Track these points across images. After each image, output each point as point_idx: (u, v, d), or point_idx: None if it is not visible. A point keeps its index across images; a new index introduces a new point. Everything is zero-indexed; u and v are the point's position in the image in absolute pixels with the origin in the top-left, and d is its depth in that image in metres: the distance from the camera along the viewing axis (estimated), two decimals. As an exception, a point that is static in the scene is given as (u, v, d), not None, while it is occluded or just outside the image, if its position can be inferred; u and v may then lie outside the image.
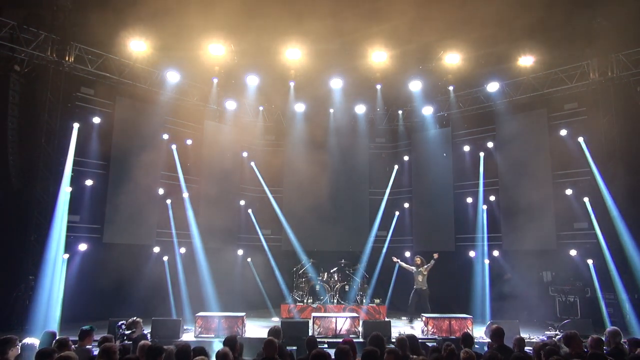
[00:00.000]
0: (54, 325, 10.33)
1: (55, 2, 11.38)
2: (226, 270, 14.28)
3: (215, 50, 12.42)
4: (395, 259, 13.01)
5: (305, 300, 13.33)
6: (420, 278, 12.34)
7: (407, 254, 16.09)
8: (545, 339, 5.76)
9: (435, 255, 12.48)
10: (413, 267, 12.60)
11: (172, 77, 13.71)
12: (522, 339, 5.66)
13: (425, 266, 12.43)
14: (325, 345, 8.92)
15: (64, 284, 11.36)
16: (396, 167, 16.93)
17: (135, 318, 6.97)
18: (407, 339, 5.48)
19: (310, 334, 9.35)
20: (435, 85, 14.86)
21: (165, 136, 14.27)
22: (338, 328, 9.97)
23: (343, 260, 14.09)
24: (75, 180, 12.10)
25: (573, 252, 12.75)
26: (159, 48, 12.35)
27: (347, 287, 13.53)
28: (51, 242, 11.21)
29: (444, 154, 15.85)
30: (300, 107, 15.89)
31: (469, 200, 15.23)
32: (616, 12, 10.40)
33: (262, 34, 11.47)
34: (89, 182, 12.52)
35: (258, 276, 15.00)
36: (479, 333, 10.11)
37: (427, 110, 15.90)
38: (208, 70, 13.39)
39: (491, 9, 10.34)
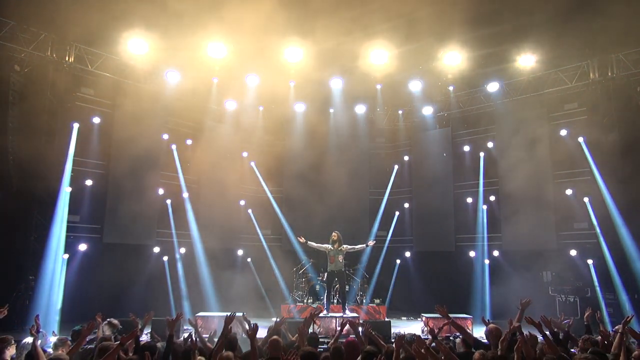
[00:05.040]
0: (54, 325, 10.33)
1: (55, 2, 11.38)
2: (226, 270, 14.28)
3: (215, 50, 12.42)
4: (301, 239, 11.08)
5: (305, 300, 13.32)
6: (340, 258, 10.84)
7: (408, 254, 16.12)
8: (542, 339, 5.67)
9: (370, 243, 11.68)
10: (327, 245, 10.99)
11: (172, 77, 13.71)
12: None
13: (347, 245, 10.97)
14: (326, 346, 8.91)
15: (64, 284, 11.36)
16: (396, 167, 16.92)
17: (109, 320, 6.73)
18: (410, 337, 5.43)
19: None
20: (435, 85, 14.86)
21: (165, 136, 14.26)
22: (338, 328, 9.93)
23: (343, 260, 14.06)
24: (75, 180, 12.11)
25: (573, 252, 12.75)
26: (159, 48, 12.34)
27: (347, 287, 13.51)
28: (51, 242, 11.22)
29: (444, 154, 15.84)
30: (300, 107, 15.89)
31: (469, 200, 15.23)
32: (616, 12, 10.38)
33: (262, 34, 11.46)
34: (89, 182, 12.52)
35: (258, 276, 14.98)
36: (479, 333, 10.09)
37: (427, 110, 15.89)
38: (208, 70, 13.39)
39: (491, 9, 10.35)
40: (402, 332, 6.43)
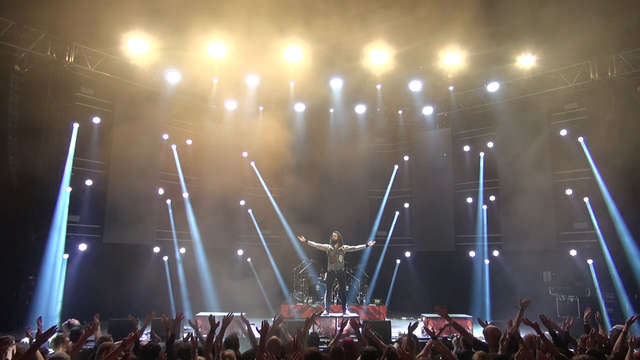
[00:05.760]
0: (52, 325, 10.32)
1: (55, 2, 11.38)
2: (226, 270, 14.28)
3: (215, 50, 12.42)
4: (302, 238, 11.16)
5: (305, 300, 13.32)
6: (340, 258, 10.93)
7: (408, 254, 16.12)
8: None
9: (370, 243, 11.78)
10: (327, 245, 11.11)
11: (172, 77, 13.71)
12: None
13: (347, 245, 11.06)
14: (326, 346, 8.91)
15: (64, 284, 11.36)
16: (396, 167, 16.92)
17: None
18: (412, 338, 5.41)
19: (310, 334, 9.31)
20: (435, 85, 14.85)
21: (165, 136, 14.26)
22: (338, 328, 9.93)
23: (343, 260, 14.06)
24: (75, 180, 12.12)
25: (573, 252, 12.75)
26: (159, 48, 12.34)
27: (347, 287, 13.51)
28: (51, 242, 11.23)
29: (444, 154, 15.84)
30: (300, 107, 15.88)
31: (469, 200, 15.23)
32: (616, 12, 10.39)
33: (262, 34, 11.46)
34: (89, 182, 12.52)
35: (258, 276, 14.98)
36: (479, 333, 10.09)
37: (427, 110, 15.89)
38: (208, 70, 13.39)
39: (491, 8, 10.35)
40: (402, 332, 6.44)
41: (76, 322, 6.67)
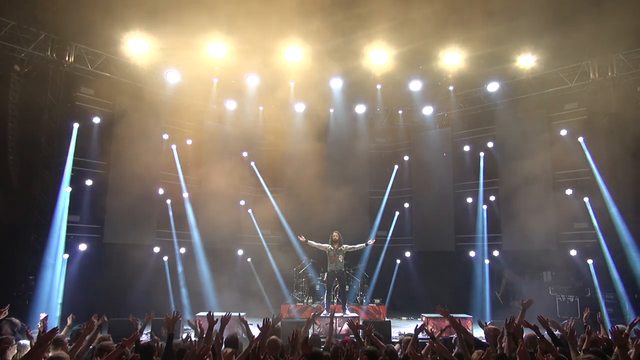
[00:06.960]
0: (54, 325, 10.31)
1: (55, 2, 11.38)
2: (226, 270, 14.27)
3: (215, 50, 12.41)
4: (302, 238, 11.24)
5: (305, 300, 13.32)
6: (340, 258, 11.01)
7: (408, 254, 16.11)
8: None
9: (370, 242, 11.85)
10: (327, 245, 11.18)
11: (172, 77, 13.70)
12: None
13: (347, 245, 11.11)
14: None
15: (64, 284, 11.36)
16: (396, 167, 16.92)
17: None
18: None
19: (310, 333, 9.30)
20: (435, 85, 14.85)
21: (165, 136, 14.26)
22: (338, 328, 9.95)
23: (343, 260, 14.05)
24: (75, 180, 12.12)
25: (573, 252, 12.74)
26: (159, 48, 12.33)
27: (347, 287, 13.50)
28: (51, 242, 11.22)
29: (444, 154, 15.84)
30: (300, 107, 15.88)
31: (469, 200, 15.22)
32: (616, 11, 10.38)
33: (262, 34, 11.46)
34: (89, 182, 12.52)
35: (258, 276, 14.97)
36: (479, 333, 10.09)
37: (427, 110, 15.89)
38: (208, 70, 13.39)
39: (491, 8, 10.36)
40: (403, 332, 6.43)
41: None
